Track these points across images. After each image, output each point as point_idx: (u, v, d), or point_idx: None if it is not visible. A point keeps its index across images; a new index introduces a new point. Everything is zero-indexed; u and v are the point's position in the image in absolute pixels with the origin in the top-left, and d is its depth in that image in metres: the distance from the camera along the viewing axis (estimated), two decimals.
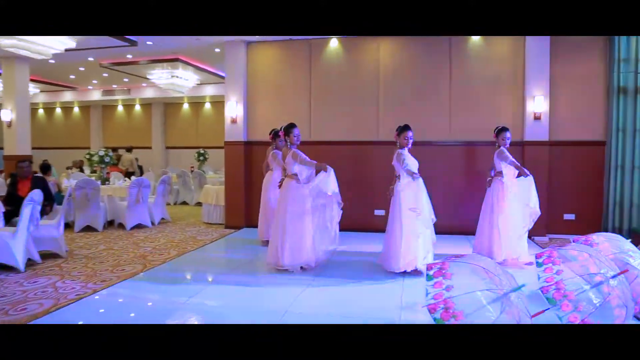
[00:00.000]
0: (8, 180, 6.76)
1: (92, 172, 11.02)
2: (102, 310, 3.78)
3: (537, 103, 6.55)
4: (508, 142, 4.99)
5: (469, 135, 6.88)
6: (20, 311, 3.64)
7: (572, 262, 3.09)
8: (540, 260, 2.97)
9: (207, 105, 14.68)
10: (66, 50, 7.39)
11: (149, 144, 14.94)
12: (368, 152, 7.19)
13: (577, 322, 2.69)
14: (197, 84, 11.82)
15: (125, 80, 12.08)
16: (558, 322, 2.74)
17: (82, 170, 11.53)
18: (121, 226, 7.61)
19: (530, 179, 4.91)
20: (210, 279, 4.74)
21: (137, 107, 15.24)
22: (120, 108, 15.40)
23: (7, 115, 8.89)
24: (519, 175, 4.83)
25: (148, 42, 8.08)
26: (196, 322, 3.57)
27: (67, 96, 14.29)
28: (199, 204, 10.41)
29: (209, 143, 13.94)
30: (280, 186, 5.08)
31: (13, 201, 5.63)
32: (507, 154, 4.90)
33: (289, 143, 4.91)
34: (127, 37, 7.59)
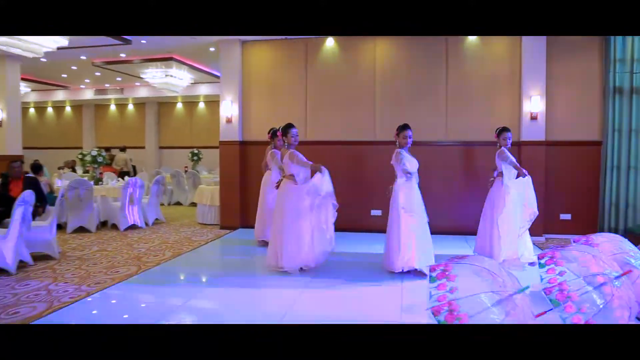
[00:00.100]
0: None
1: (84, 172, 10.89)
2: (94, 312, 3.70)
3: (534, 103, 6.55)
4: (509, 142, 4.97)
5: (466, 135, 6.87)
6: (13, 315, 3.55)
7: (574, 262, 3.07)
8: (542, 261, 2.94)
9: (201, 105, 14.58)
10: (58, 48, 7.27)
11: (142, 144, 14.80)
12: (364, 152, 7.16)
13: (581, 323, 2.67)
14: (191, 83, 11.72)
15: (118, 79, 11.95)
16: (560, 322, 2.71)
17: (74, 171, 11.39)
18: (114, 227, 7.51)
19: (528, 179, 4.91)
20: (207, 281, 4.68)
21: (130, 107, 15.10)
22: (113, 107, 15.25)
23: None
24: (518, 176, 4.81)
25: (142, 41, 7.99)
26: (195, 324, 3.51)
27: (59, 95, 14.12)
28: (193, 204, 10.33)
29: (203, 143, 13.85)
30: (277, 187, 5.03)
31: (4, 202, 5.50)
32: (507, 154, 4.89)
33: (286, 143, 4.86)
34: (121, 35, 7.50)
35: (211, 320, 3.56)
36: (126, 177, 8.49)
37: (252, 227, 6.36)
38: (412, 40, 7.01)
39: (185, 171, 11.75)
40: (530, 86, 6.60)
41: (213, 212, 8.02)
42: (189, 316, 3.69)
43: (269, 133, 6.08)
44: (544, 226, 6.57)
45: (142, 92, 13.45)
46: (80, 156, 9.28)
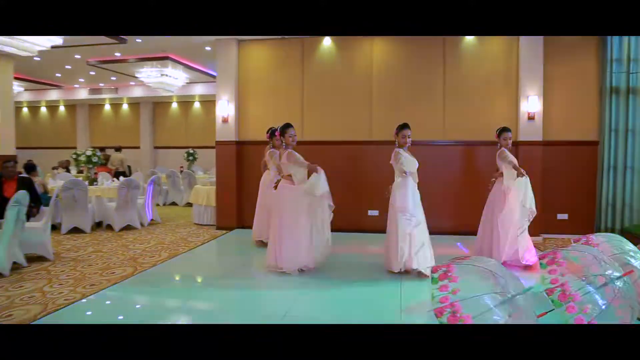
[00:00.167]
0: None
1: (78, 173, 10.81)
2: (89, 313, 3.64)
3: (531, 103, 6.55)
4: (510, 142, 4.96)
5: (463, 135, 6.86)
6: (6, 318, 3.49)
7: (575, 263, 3.06)
8: (544, 262, 2.93)
9: (197, 105, 14.50)
10: (53, 47, 7.20)
11: (137, 144, 14.70)
12: (361, 152, 7.13)
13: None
14: (187, 83, 11.66)
15: (113, 78, 11.86)
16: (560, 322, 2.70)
17: (68, 171, 11.30)
18: (109, 228, 7.44)
19: (527, 179, 4.89)
20: (204, 282, 4.63)
21: (125, 106, 14.99)
22: (107, 107, 15.13)
23: None
24: (518, 176, 4.80)
25: (137, 40, 7.92)
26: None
27: (53, 95, 14.00)
28: (188, 204, 10.26)
29: (198, 143, 13.78)
30: (275, 187, 4.99)
31: None
32: (507, 154, 4.87)
33: (284, 143, 4.83)
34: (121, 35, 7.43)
35: (209, 321, 3.51)
36: (121, 177, 8.42)
37: (249, 227, 6.32)
38: (409, 40, 6.99)
39: (181, 171, 11.68)
40: (527, 86, 6.60)
41: (209, 213, 7.96)
42: (187, 318, 3.65)
43: (267, 132, 6.04)
44: (541, 226, 6.56)
45: (137, 92, 13.36)
46: (74, 156, 9.19)
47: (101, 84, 13.15)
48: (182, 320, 3.62)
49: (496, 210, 4.85)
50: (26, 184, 5.55)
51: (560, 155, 6.67)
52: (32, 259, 5.24)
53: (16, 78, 11.02)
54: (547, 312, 2.70)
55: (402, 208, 4.46)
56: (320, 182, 4.62)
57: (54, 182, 8.55)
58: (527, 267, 4.75)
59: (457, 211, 6.79)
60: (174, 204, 11.26)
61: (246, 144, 7.46)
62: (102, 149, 10.81)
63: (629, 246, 3.43)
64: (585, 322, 2.66)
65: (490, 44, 6.87)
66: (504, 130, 5.01)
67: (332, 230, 4.88)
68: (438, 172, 6.77)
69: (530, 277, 4.33)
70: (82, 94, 13.74)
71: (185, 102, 14.52)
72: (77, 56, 9.22)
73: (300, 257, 4.66)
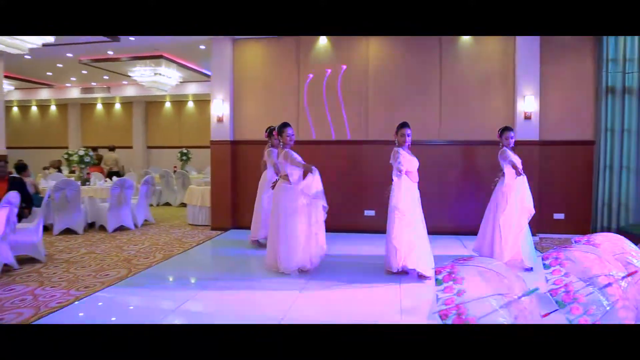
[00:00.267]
0: None
1: (70, 173, 10.66)
2: (83, 315, 3.56)
3: (528, 103, 6.54)
4: (512, 141, 4.93)
5: (460, 135, 6.84)
6: None
7: (577, 263, 3.03)
8: (547, 262, 2.89)
9: (190, 104, 14.38)
10: (44, 45, 7.06)
11: (130, 144, 14.54)
12: (357, 151, 7.09)
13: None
14: (180, 82, 11.54)
15: (105, 77, 11.71)
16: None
17: (60, 171, 11.14)
18: (102, 228, 7.33)
19: (524, 178, 4.87)
20: (200, 284, 4.55)
21: (118, 106, 14.82)
22: (99, 106, 14.95)
23: None
24: (517, 175, 4.77)
25: (130, 38, 7.81)
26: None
27: (44, 94, 13.80)
28: (182, 204, 10.17)
29: (192, 143, 13.66)
30: (273, 187, 4.94)
31: None
32: (507, 153, 4.85)
33: (281, 143, 4.77)
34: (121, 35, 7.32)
35: (208, 323, 3.44)
36: (114, 177, 8.31)
37: (244, 228, 6.26)
38: (406, 39, 6.95)
39: (174, 171, 11.57)
40: (524, 86, 6.60)
41: (204, 213, 7.88)
42: (184, 320, 3.58)
43: (266, 131, 5.98)
44: (537, 226, 6.55)
45: (130, 91, 13.21)
46: (66, 156, 9.06)
47: (93, 83, 12.99)
48: (178, 322, 3.54)
49: (498, 211, 4.82)
50: (17, 184, 5.44)
51: (557, 155, 6.67)
52: (23, 260, 5.13)
53: (6, 77, 10.84)
54: (549, 313, 2.67)
55: (395, 207, 4.41)
56: (315, 181, 4.59)
57: (46, 183, 8.42)
58: (525, 270, 4.71)
59: (454, 211, 6.77)
60: (167, 204, 11.15)
61: (241, 144, 7.39)
62: (94, 149, 10.67)
63: (630, 246, 3.40)
64: (590, 323, 2.63)
65: (487, 44, 6.86)
66: (505, 129, 4.98)
67: (328, 230, 4.84)
68: (434, 172, 6.73)
69: (529, 277, 4.30)
70: (74, 93, 13.56)
71: (179, 102, 14.39)
72: (69, 54, 9.08)
73: (297, 258, 4.60)
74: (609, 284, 2.79)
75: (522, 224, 4.78)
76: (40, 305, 3.74)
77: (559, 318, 2.68)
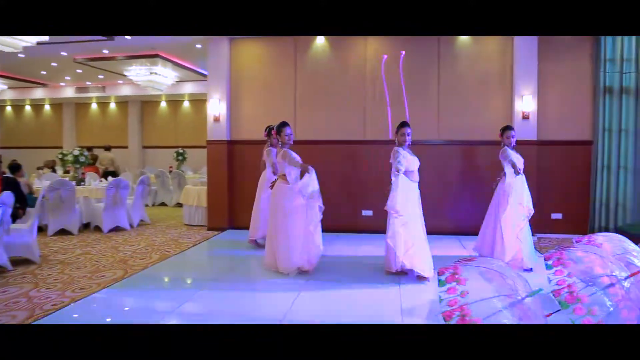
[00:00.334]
0: None
1: (64, 173, 10.56)
2: (77, 316, 3.50)
3: (526, 102, 6.53)
4: (513, 140, 4.90)
5: (458, 134, 6.82)
6: None
7: (579, 263, 3.01)
8: (549, 263, 2.87)
9: (186, 104, 14.29)
10: (38, 43, 6.98)
11: (125, 144, 14.42)
12: (355, 151, 7.06)
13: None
14: (176, 82, 11.46)
15: (100, 77, 11.61)
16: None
17: (54, 171, 11.03)
18: (98, 229, 7.25)
19: (522, 177, 4.85)
20: (198, 285, 4.50)
21: (113, 105, 14.71)
22: (94, 106, 14.83)
23: None
24: (516, 174, 4.75)
25: (126, 37, 7.73)
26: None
27: (38, 93, 13.67)
28: (178, 205, 10.10)
29: (188, 142, 13.59)
30: (272, 187, 4.90)
31: None
32: (508, 152, 4.83)
33: (280, 142, 4.73)
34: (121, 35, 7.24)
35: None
36: (109, 177, 8.23)
37: (241, 228, 6.22)
38: (404, 38, 6.92)
39: (170, 171, 11.49)
40: (522, 85, 6.59)
41: (200, 213, 7.82)
42: (183, 322, 3.52)
43: (265, 130, 5.94)
44: (535, 226, 6.49)
45: (125, 91, 13.10)
46: (60, 156, 8.96)
47: (88, 83, 12.88)
48: (176, 323, 3.49)
49: (499, 210, 4.79)
50: (11, 185, 5.37)
51: (555, 155, 6.66)
52: (17, 262, 5.05)
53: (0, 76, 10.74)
54: (551, 314, 2.65)
55: (390, 206, 4.36)
56: (311, 181, 4.56)
57: (40, 183, 8.33)
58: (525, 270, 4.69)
59: (452, 211, 6.75)
60: (163, 204, 11.07)
61: (238, 143, 7.34)
62: (89, 149, 10.57)
63: (632, 246, 3.39)
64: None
65: (485, 43, 6.84)
66: (506, 128, 4.96)
67: (326, 231, 4.81)
68: (432, 172, 6.69)
69: (531, 277, 4.28)
70: (69, 92, 13.43)
71: (175, 101, 14.31)
72: (64, 53, 8.99)
73: (296, 258, 4.56)
74: (612, 285, 2.77)
75: (522, 224, 4.76)
76: (35, 307, 3.68)
77: (561, 318, 2.66)
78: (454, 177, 6.83)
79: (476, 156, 6.79)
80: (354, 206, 7.02)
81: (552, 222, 6.72)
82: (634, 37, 6.34)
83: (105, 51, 8.88)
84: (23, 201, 5.49)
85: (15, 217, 5.17)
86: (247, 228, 6.11)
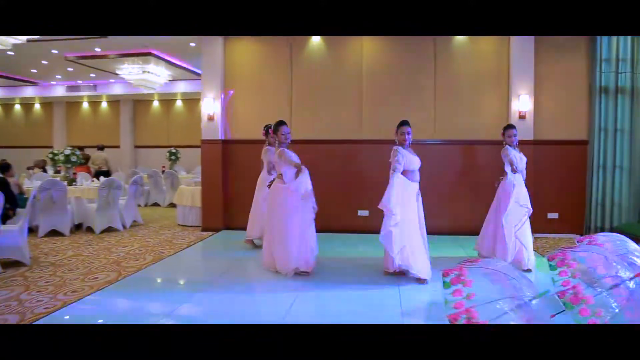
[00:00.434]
0: None
1: (55, 173, 10.40)
2: (67, 317, 3.40)
3: (522, 102, 6.52)
4: (515, 139, 4.86)
5: (454, 134, 6.80)
6: None
7: (582, 264, 2.98)
8: (553, 263, 2.84)
9: (179, 103, 14.17)
10: (28, 41, 6.85)
11: (117, 143, 14.27)
12: (351, 151, 7.00)
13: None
14: (169, 80, 11.34)
15: (92, 75, 11.47)
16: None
17: (44, 171, 10.86)
18: (90, 230, 7.13)
19: (519, 176, 4.83)
20: (194, 287, 4.42)
21: (104, 105, 14.54)
22: (85, 105, 14.65)
23: None
24: (514, 173, 4.73)
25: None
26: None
27: (28, 92, 13.47)
28: (171, 205, 9.99)
29: (181, 142, 13.49)
30: (269, 186, 4.83)
31: None
32: (508, 152, 4.80)
33: (277, 142, 4.66)
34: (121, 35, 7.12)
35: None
36: (101, 177, 8.10)
37: (235, 228, 6.14)
38: (400, 38, 6.88)
39: (163, 171, 11.36)
40: (518, 85, 6.57)
41: (194, 214, 7.72)
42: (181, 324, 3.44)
43: (263, 130, 5.86)
44: (531, 225, 6.50)
45: (117, 89, 12.96)
46: (50, 155, 8.81)
47: (79, 81, 12.71)
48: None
49: (500, 210, 4.76)
50: (1, 185, 5.24)
51: (551, 155, 6.65)
52: (7, 264, 4.93)
53: None
54: (555, 315, 2.61)
55: (383, 204, 4.27)
56: (304, 181, 4.52)
57: (30, 183, 8.19)
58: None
59: (449, 211, 6.72)
60: (156, 204, 10.94)
61: (232, 143, 7.25)
62: (81, 148, 10.42)
63: (633, 245, 3.37)
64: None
65: (481, 43, 6.82)
66: (508, 127, 4.93)
67: (322, 231, 4.74)
68: (428, 172, 6.63)
69: (533, 279, 4.25)
70: (59, 91, 13.25)
71: (167, 100, 14.18)
72: (54, 51, 8.85)
73: (294, 258, 4.50)
74: (616, 285, 2.74)
75: (521, 223, 4.73)
76: (25, 311, 3.58)
77: (566, 320, 2.63)
78: (449, 177, 6.80)
79: (472, 156, 6.77)
80: (350, 206, 6.96)
81: (548, 222, 6.71)
82: (629, 37, 6.36)
83: (97, 49, 8.76)
84: (13, 202, 5.37)
85: (5, 218, 5.05)
86: (242, 229, 6.03)
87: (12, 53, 8.41)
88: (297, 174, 4.54)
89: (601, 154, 6.50)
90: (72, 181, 7.80)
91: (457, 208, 6.73)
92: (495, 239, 4.79)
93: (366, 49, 6.97)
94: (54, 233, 6.74)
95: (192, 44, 8.12)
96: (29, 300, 3.82)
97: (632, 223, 6.34)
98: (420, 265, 4.32)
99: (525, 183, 4.90)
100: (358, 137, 6.99)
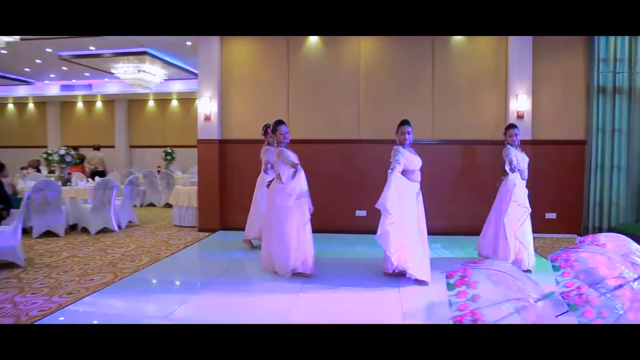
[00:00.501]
0: None
1: (49, 173, 10.29)
2: (62, 319, 3.34)
3: (520, 102, 6.51)
4: (517, 139, 4.84)
5: (452, 134, 6.78)
6: None
7: (585, 264, 2.96)
8: (556, 264, 2.81)
9: (174, 103, 14.09)
10: (22, 39, 6.77)
11: (112, 143, 14.16)
12: (348, 150, 6.97)
13: None
14: (164, 80, 11.26)
15: (87, 74, 11.37)
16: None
17: (38, 171, 10.74)
18: (85, 230, 7.05)
19: (517, 175, 4.80)
20: (192, 288, 4.36)
21: (99, 104, 14.43)
22: (80, 104, 14.53)
23: None
24: (513, 172, 4.70)
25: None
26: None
27: (21, 91, 13.34)
28: (167, 205, 9.92)
29: (176, 142, 13.40)
30: (268, 186, 4.79)
31: None
32: (509, 151, 4.78)
33: (275, 141, 4.62)
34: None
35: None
36: (97, 178, 8.02)
37: (232, 229, 6.09)
38: (398, 37, 6.85)
39: (159, 171, 11.29)
40: (516, 85, 6.57)
41: (190, 214, 7.66)
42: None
43: (262, 129, 5.81)
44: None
45: (112, 89, 12.87)
46: (44, 155, 8.71)
47: (74, 80, 12.59)
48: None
49: (502, 210, 4.74)
50: None
51: (549, 155, 6.65)
52: (1, 266, 4.86)
53: None
54: (558, 315, 2.59)
55: (380, 204, 4.22)
56: (299, 181, 4.50)
57: (24, 183, 8.09)
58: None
59: (447, 211, 6.70)
60: (151, 205, 10.85)
61: (229, 143, 7.20)
62: (75, 148, 10.32)
63: (634, 245, 3.36)
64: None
65: (479, 43, 6.81)
66: (509, 127, 4.91)
67: (319, 231, 4.70)
68: (426, 171, 6.58)
69: (536, 279, 4.23)
70: (53, 90, 13.12)
71: (163, 100, 14.09)
72: (48, 50, 8.75)
73: (291, 258, 4.46)
74: (620, 286, 2.71)
75: (519, 223, 4.71)
76: (20, 313, 3.51)
77: (569, 321, 2.60)
78: (448, 177, 6.78)
79: (471, 156, 6.75)
80: (348, 206, 6.93)
81: (546, 222, 6.70)
82: (627, 37, 6.37)
83: (92, 48, 8.67)
84: (7, 202, 5.29)
85: None
86: (239, 229, 5.99)
87: (5, 51, 8.31)
88: (294, 174, 4.51)
89: (599, 154, 6.51)
90: (66, 181, 7.72)
91: (455, 208, 6.71)
92: (497, 239, 4.76)
93: (364, 49, 6.94)
94: (48, 234, 6.66)
95: (189, 43, 8.06)
96: (24, 303, 3.76)
97: (629, 223, 6.35)
98: (419, 266, 4.28)
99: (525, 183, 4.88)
100: (356, 136, 6.96)
